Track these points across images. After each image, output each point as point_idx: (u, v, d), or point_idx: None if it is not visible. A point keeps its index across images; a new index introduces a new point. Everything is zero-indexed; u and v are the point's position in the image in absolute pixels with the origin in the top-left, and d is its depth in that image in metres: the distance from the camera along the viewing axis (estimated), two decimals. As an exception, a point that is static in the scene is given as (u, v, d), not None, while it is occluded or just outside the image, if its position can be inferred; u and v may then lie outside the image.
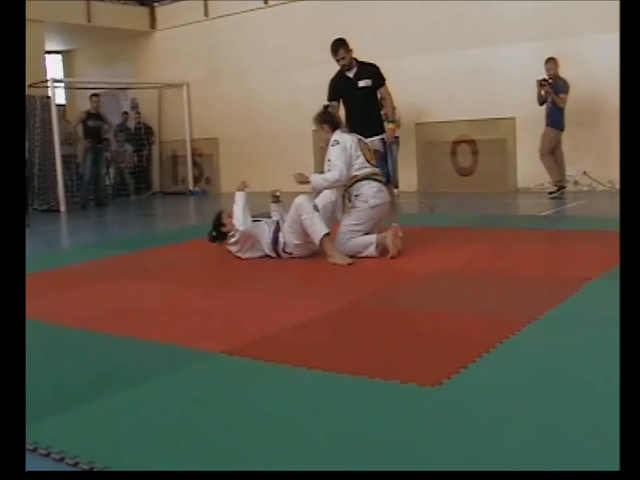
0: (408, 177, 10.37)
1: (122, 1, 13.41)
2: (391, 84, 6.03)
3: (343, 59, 5.78)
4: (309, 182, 5.13)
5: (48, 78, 11.26)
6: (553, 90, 8.57)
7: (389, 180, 6.01)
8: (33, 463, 1.98)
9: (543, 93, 8.68)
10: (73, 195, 11.44)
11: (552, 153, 8.74)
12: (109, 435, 2.18)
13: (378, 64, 5.96)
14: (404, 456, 1.96)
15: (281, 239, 5.20)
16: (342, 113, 5.95)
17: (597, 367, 2.63)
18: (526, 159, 9.39)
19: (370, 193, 5.11)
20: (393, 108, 6.42)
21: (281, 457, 1.98)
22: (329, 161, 5.10)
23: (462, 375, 2.54)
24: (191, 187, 13.12)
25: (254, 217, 5.32)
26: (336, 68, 5.92)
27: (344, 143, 5.09)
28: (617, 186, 8.67)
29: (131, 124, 13.50)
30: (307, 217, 4.97)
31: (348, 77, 5.85)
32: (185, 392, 2.56)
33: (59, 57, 15.14)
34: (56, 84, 11.60)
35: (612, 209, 6.63)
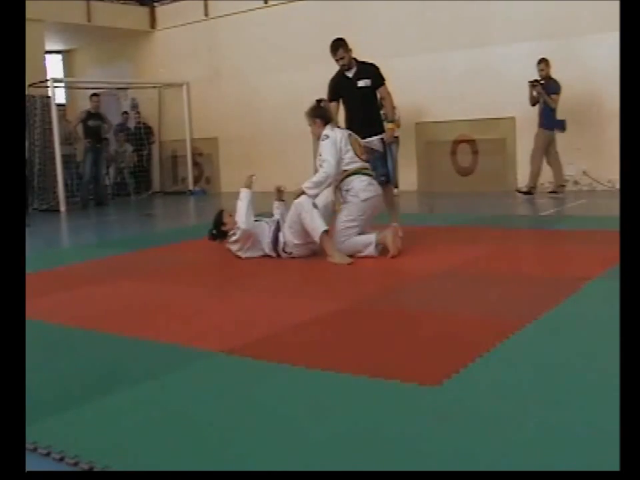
0: (408, 176, 10.38)
1: (122, 1, 13.42)
2: (390, 84, 6.03)
3: (342, 58, 5.78)
4: (304, 193, 5.11)
5: (48, 78, 11.27)
6: (544, 91, 8.57)
7: (389, 180, 6.02)
8: (32, 463, 1.98)
9: (535, 93, 8.68)
10: (72, 194, 11.45)
11: (546, 154, 8.73)
12: (108, 435, 2.18)
13: (378, 64, 5.96)
14: (404, 456, 1.96)
15: (281, 239, 5.21)
16: (342, 112, 5.96)
17: (596, 366, 2.63)
18: (526, 159, 9.36)
19: (360, 186, 5.14)
20: (393, 108, 6.42)
21: (280, 456, 1.98)
22: (320, 155, 5.15)
23: (462, 375, 2.54)
24: (190, 187, 13.12)
25: (255, 217, 5.32)
26: (336, 68, 5.92)
27: (333, 137, 5.13)
28: (617, 185, 8.67)
29: (131, 124, 13.51)
30: (307, 214, 4.98)
31: (347, 77, 5.85)
32: (185, 392, 2.56)
33: (59, 56, 15.15)
34: (56, 84, 11.62)
35: (612, 208, 6.62)
